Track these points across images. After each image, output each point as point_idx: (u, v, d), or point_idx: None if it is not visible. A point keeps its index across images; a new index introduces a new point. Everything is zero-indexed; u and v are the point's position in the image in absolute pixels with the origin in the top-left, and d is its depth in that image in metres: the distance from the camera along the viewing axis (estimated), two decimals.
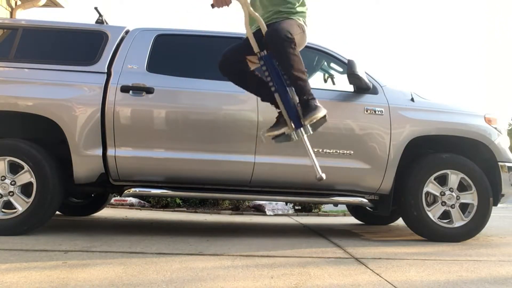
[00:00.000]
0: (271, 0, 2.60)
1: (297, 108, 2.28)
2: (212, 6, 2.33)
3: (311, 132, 2.21)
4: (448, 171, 3.62)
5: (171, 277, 2.13)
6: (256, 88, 2.44)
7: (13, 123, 3.47)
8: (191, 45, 3.82)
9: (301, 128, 2.25)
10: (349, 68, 3.46)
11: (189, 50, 3.82)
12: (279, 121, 2.32)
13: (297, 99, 2.30)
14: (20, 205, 3.21)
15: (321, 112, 2.18)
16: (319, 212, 6.93)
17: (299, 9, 2.70)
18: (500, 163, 3.74)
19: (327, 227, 4.80)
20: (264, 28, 2.43)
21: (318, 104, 2.26)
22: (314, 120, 2.20)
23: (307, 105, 2.21)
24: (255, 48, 2.42)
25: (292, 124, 2.27)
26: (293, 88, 2.30)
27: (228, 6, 2.33)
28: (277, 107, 2.41)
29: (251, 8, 2.33)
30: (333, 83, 3.93)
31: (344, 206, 5.52)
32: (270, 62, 2.30)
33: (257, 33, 2.56)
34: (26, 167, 3.23)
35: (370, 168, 3.53)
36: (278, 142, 2.49)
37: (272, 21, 2.55)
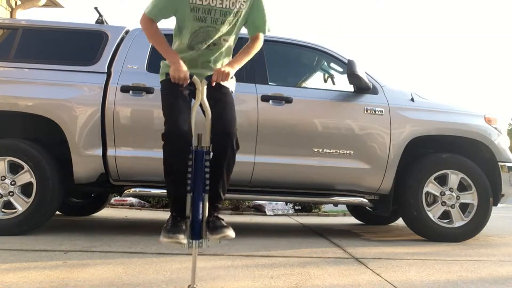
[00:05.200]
0: (217, 59, 2.19)
1: (203, 222, 1.93)
2: (166, 75, 2.14)
3: (207, 247, 1.96)
4: (448, 171, 3.62)
5: (171, 277, 2.13)
6: (181, 178, 2.00)
7: (13, 123, 3.47)
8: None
9: (199, 240, 1.90)
10: (349, 68, 3.47)
11: None
12: (179, 230, 1.90)
13: (206, 212, 1.94)
14: (20, 205, 3.21)
15: (231, 233, 1.88)
16: (319, 212, 6.93)
17: None
18: (500, 163, 3.74)
19: (327, 227, 4.80)
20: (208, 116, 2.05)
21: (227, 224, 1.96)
22: (224, 238, 1.87)
23: (219, 223, 1.91)
24: (193, 141, 2.04)
25: (190, 234, 1.91)
26: (210, 200, 1.96)
27: (186, 83, 2.11)
28: (177, 207, 2.01)
29: (205, 101, 2.09)
30: (333, 83, 3.94)
31: (344, 206, 5.52)
32: (202, 160, 1.97)
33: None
34: (26, 167, 3.23)
35: (370, 168, 3.53)
36: (165, 243, 1.98)
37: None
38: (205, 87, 2.03)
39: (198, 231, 1.93)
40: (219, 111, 2.02)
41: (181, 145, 1.99)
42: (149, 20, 2.15)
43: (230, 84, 2.17)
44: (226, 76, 2.00)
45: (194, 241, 1.92)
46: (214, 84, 2.04)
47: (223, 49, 2.16)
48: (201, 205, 1.95)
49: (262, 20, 2.18)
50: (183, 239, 1.85)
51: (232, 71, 2.06)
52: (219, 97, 2.07)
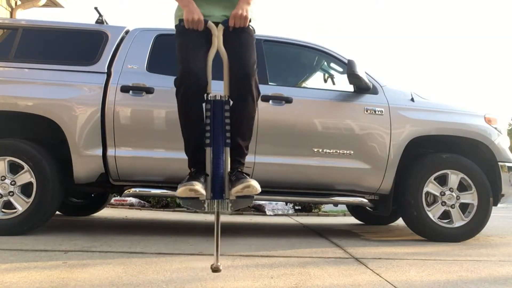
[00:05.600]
0: None
1: (225, 177, 1.78)
2: (180, 22, 2.01)
3: (228, 211, 1.77)
4: (448, 171, 3.62)
5: (171, 277, 2.13)
6: (198, 130, 1.86)
7: (13, 123, 3.47)
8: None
9: (220, 200, 1.74)
10: (349, 68, 3.47)
11: None
12: (198, 178, 1.76)
13: (229, 166, 1.79)
14: (20, 205, 3.21)
15: (256, 185, 1.71)
16: (319, 212, 6.93)
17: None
18: (500, 163, 3.74)
19: (327, 227, 4.80)
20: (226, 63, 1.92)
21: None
22: (245, 192, 1.68)
23: (242, 175, 1.75)
24: (209, 89, 1.91)
25: (211, 192, 1.75)
26: (231, 154, 1.81)
27: (200, 29, 1.88)
28: (196, 161, 1.86)
29: (222, 47, 1.93)
30: (333, 83, 3.94)
31: (344, 206, 5.52)
32: (221, 111, 1.84)
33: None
34: (26, 167, 3.23)
35: (370, 168, 3.53)
36: (184, 204, 1.85)
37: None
38: (221, 32, 1.90)
39: (220, 189, 1.77)
40: (236, 55, 1.88)
41: (196, 88, 1.85)
42: None
43: (254, 17, 2.00)
44: (244, 20, 1.87)
45: (216, 201, 1.76)
46: (231, 29, 1.92)
47: None
48: (222, 160, 1.80)
49: None
50: (201, 188, 1.70)
51: (249, 8, 1.91)
52: (236, 44, 1.92)
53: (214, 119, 1.84)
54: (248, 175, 1.82)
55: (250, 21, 1.94)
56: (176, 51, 1.95)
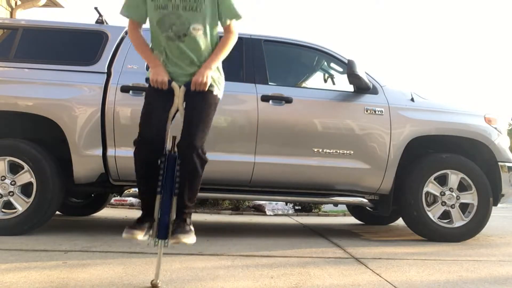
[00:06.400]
0: (198, 54, 2.10)
1: (169, 223, 1.98)
2: (146, 80, 2.15)
3: (168, 246, 2.04)
4: (448, 171, 3.62)
5: (171, 277, 2.13)
6: (151, 180, 2.04)
7: (13, 123, 3.47)
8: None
9: (164, 240, 1.96)
10: (349, 68, 3.47)
11: None
12: (142, 225, 1.96)
13: (174, 214, 2.00)
14: (20, 205, 3.22)
15: (190, 239, 1.90)
16: (319, 212, 6.93)
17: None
18: (500, 163, 3.74)
19: (327, 227, 4.80)
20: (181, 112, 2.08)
21: (192, 229, 2.00)
22: (179, 243, 1.90)
23: (181, 228, 1.94)
24: (169, 146, 2.08)
25: (156, 233, 1.98)
26: (178, 201, 2.01)
27: (164, 89, 2.03)
28: (146, 206, 2.07)
29: (182, 107, 2.09)
30: (333, 83, 3.94)
31: (344, 206, 5.52)
32: (173, 164, 2.02)
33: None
34: (26, 167, 3.23)
35: (370, 168, 3.53)
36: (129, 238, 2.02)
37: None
38: (183, 93, 2.04)
39: (165, 231, 1.98)
40: (188, 121, 2.02)
41: (149, 153, 2.03)
42: (129, 22, 2.14)
43: (217, 83, 2.12)
44: (203, 85, 2.01)
45: (160, 240, 1.98)
46: (192, 91, 2.04)
47: (200, 41, 2.07)
48: (168, 208, 1.99)
49: (228, 8, 2.11)
50: (139, 235, 1.89)
51: (209, 73, 2.04)
52: (195, 105, 2.06)
53: (167, 171, 2.02)
54: (189, 225, 1.99)
55: (210, 87, 2.07)
56: (142, 109, 2.11)
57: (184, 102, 2.10)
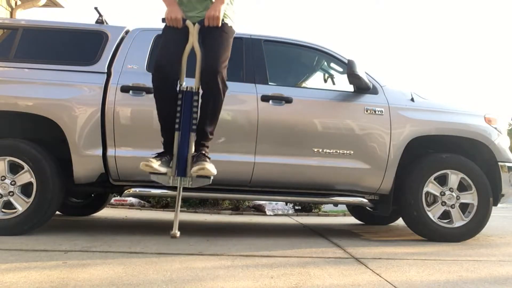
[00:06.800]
0: None
1: (188, 158, 2.04)
2: (163, 20, 2.19)
3: (189, 186, 2.03)
4: (448, 171, 3.62)
5: (171, 277, 2.13)
6: (168, 115, 2.11)
7: (13, 123, 3.47)
8: None
9: (182, 177, 2.01)
10: (349, 68, 3.47)
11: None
12: (164, 158, 2.03)
13: (193, 149, 2.05)
14: (20, 205, 3.21)
15: (211, 168, 1.95)
16: (319, 212, 6.93)
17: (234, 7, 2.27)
18: (500, 163, 3.74)
19: (327, 227, 4.80)
20: (199, 59, 2.13)
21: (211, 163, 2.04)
22: (200, 173, 1.94)
23: (201, 158, 2.00)
24: (182, 80, 2.14)
25: (176, 170, 2.03)
26: (197, 137, 2.07)
27: (179, 27, 2.11)
28: (166, 142, 2.14)
29: (197, 44, 2.13)
30: (333, 83, 3.94)
31: (344, 206, 5.52)
32: (190, 101, 2.08)
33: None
34: (26, 167, 3.23)
35: (370, 168, 3.53)
36: (153, 178, 2.18)
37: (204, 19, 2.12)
38: (197, 30, 2.09)
39: (183, 168, 2.02)
40: (207, 50, 2.07)
41: (164, 78, 2.07)
42: None
43: (229, 15, 2.16)
44: (217, 20, 2.04)
45: (179, 177, 2.02)
46: (206, 27, 2.10)
47: None
48: (187, 143, 2.05)
49: None
50: (157, 166, 1.97)
51: (222, 7, 2.07)
52: (209, 42, 2.11)
53: (184, 107, 2.08)
54: (209, 158, 2.05)
55: (223, 20, 2.12)
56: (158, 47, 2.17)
57: (200, 40, 2.15)
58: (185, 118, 2.07)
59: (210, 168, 1.95)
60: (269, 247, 3.08)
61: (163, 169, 1.98)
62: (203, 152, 2.07)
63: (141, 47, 3.58)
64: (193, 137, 2.06)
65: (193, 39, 2.08)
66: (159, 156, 2.07)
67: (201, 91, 2.23)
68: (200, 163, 1.95)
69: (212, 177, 2.01)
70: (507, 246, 3.57)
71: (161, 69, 2.07)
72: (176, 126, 2.08)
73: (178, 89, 2.15)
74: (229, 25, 2.13)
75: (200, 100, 2.16)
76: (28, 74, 3.41)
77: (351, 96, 3.62)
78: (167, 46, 2.11)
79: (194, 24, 2.08)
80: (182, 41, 2.10)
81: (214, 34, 2.10)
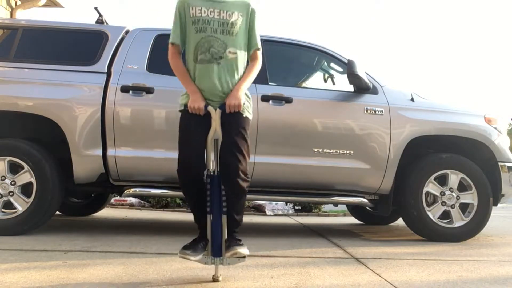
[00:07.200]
0: (231, 76, 2.19)
1: (222, 240, 2.13)
2: (184, 107, 2.24)
3: (228, 264, 2.14)
4: (448, 171, 3.62)
5: (171, 277, 2.14)
6: (200, 203, 2.19)
7: (13, 123, 3.47)
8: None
9: (219, 258, 2.11)
10: (349, 68, 3.47)
11: None
12: (198, 246, 2.12)
13: (225, 230, 2.15)
14: (20, 205, 3.21)
15: (245, 250, 2.05)
16: (319, 212, 6.93)
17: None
18: (500, 163, 3.74)
19: (327, 227, 4.80)
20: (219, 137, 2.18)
21: (243, 243, 2.16)
22: (234, 256, 2.06)
23: (233, 243, 2.10)
24: (210, 165, 2.20)
25: (212, 251, 2.13)
26: (227, 224, 2.16)
27: (201, 114, 2.20)
28: (201, 225, 2.23)
29: (219, 129, 2.18)
30: (333, 83, 3.94)
31: (344, 206, 5.52)
32: (218, 184, 2.15)
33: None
34: (26, 167, 3.23)
35: (370, 168, 3.53)
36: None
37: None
38: (219, 116, 2.14)
39: (219, 250, 2.11)
40: (226, 146, 2.12)
41: (191, 178, 2.14)
42: (174, 48, 2.24)
43: (246, 107, 2.22)
44: (237, 107, 2.12)
45: (215, 258, 2.11)
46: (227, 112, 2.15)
47: (233, 64, 2.18)
48: (219, 226, 2.13)
49: (255, 38, 2.26)
50: (195, 258, 2.05)
51: (241, 94, 2.14)
52: (231, 130, 2.15)
53: (213, 192, 2.14)
54: (240, 240, 2.14)
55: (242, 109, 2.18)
56: (179, 133, 2.19)
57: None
58: (215, 202, 2.13)
59: (242, 250, 2.05)
60: (269, 247, 3.08)
61: (199, 257, 2.09)
62: (235, 235, 2.16)
63: (141, 47, 3.58)
64: (224, 219, 2.15)
65: (216, 125, 2.13)
66: (193, 245, 2.12)
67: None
68: (233, 248, 2.05)
69: (246, 256, 2.11)
70: (507, 246, 3.57)
71: (189, 167, 2.12)
72: (208, 209, 2.15)
73: (205, 173, 2.21)
74: (245, 116, 2.20)
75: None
76: (28, 74, 3.41)
77: (351, 96, 3.62)
78: (190, 139, 2.15)
79: (215, 109, 2.14)
80: (204, 125, 2.16)
81: (234, 127, 2.16)
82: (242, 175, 2.09)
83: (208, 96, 2.16)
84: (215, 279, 2.09)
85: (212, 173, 2.15)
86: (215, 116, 2.12)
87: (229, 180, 2.10)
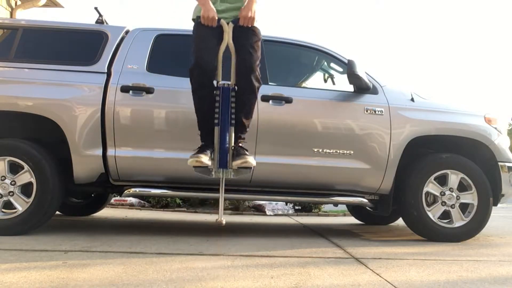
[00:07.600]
0: None
1: (228, 150, 2.17)
2: (197, 18, 2.28)
3: (231, 177, 2.14)
4: (448, 171, 3.62)
5: (171, 277, 2.13)
6: (208, 110, 2.24)
7: (13, 123, 3.47)
8: (191, 45, 3.82)
9: (225, 169, 2.15)
10: (349, 68, 3.47)
11: (189, 50, 3.81)
12: (205, 152, 2.15)
13: (232, 141, 2.20)
14: (20, 205, 3.21)
15: (252, 161, 2.10)
16: (319, 212, 6.93)
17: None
18: (500, 163, 3.74)
19: (327, 227, 4.80)
20: (232, 51, 2.27)
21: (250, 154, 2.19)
22: (243, 165, 2.10)
23: (242, 151, 2.15)
24: (218, 76, 2.28)
25: (218, 162, 2.16)
26: (235, 130, 2.21)
27: (214, 26, 2.25)
28: (205, 136, 2.26)
29: (231, 42, 2.23)
30: (333, 83, 3.94)
31: (344, 206, 5.52)
32: (228, 96, 2.22)
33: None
34: (26, 167, 3.23)
35: (370, 168, 3.53)
36: (196, 171, 2.33)
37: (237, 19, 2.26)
38: (231, 29, 2.17)
39: (225, 160, 2.16)
40: (242, 56, 2.20)
41: (204, 75, 2.21)
42: None
43: (257, 18, 2.28)
44: (251, 20, 2.19)
45: (221, 169, 2.15)
46: (239, 27, 2.24)
47: None
48: (227, 137, 2.19)
49: None
50: (206, 160, 2.09)
51: (255, 7, 2.18)
52: (243, 42, 2.23)
53: (222, 103, 2.21)
54: (247, 150, 2.21)
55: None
56: (192, 43, 2.28)
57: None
58: (224, 113, 2.21)
59: (251, 160, 2.11)
60: (269, 247, 3.08)
61: (208, 158, 2.12)
62: (241, 145, 2.22)
63: (141, 47, 3.58)
64: (232, 130, 2.21)
65: (228, 38, 2.22)
66: (202, 150, 2.17)
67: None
68: (242, 157, 2.11)
69: (253, 168, 2.19)
70: (507, 246, 3.57)
71: (201, 66, 2.18)
72: (216, 121, 2.21)
73: (215, 85, 2.29)
74: (258, 27, 2.24)
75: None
76: (28, 74, 3.41)
77: (351, 96, 3.62)
78: (204, 44, 2.22)
79: (227, 23, 2.17)
80: (217, 39, 2.23)
81: (247, 34, 2.24)
82: (256, 73, 2.15)
83: (223, 11, 2.22)
84: (218, 222, 2.09)
85: (221, 85, 2.22)
86: (227, 29, 2.17)
87: (244, 76, 2.14)
